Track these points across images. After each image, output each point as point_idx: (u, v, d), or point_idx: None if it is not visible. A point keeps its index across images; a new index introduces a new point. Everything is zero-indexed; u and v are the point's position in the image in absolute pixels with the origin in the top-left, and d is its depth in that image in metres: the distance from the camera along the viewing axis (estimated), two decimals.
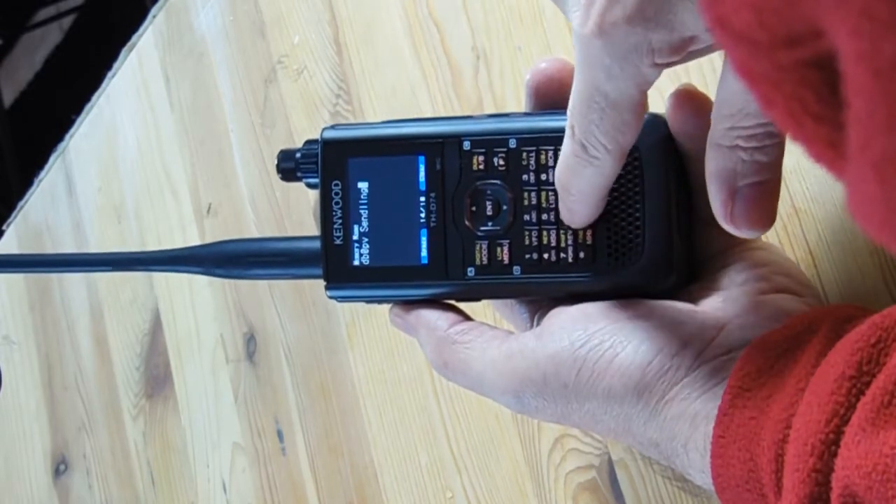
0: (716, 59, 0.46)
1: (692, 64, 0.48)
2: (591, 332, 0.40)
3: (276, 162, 0.46)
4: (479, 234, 0.43)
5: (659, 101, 0.43)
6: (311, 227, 0.68)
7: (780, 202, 0.46)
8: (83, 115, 0.91)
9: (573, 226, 0.42)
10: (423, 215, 0.43)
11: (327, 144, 0.45)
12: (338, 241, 0.44)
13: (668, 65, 0.36)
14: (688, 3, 0.34)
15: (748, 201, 0.37)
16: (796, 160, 0.45)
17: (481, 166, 0.43)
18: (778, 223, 0.46)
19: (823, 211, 0.45)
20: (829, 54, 0.21)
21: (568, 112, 0.38)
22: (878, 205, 0.21)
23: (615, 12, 0.34)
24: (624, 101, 0.36)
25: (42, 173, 0.95)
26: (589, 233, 0.41)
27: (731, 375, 0.36)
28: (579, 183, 0.39)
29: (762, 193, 0.37)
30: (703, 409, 0.37)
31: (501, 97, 0.57)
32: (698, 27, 0.35)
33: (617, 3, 0.34)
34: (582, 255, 0.42)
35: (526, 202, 0.42)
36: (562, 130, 0.39)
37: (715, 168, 0.37)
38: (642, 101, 0.37)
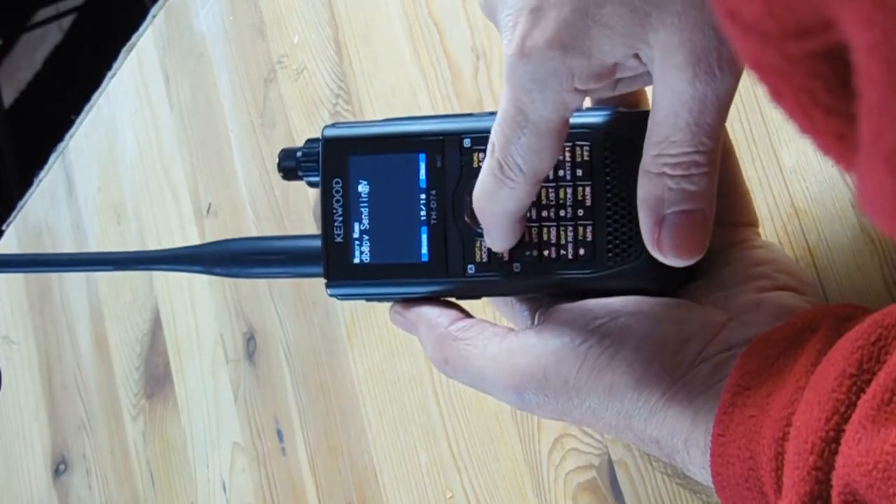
0: None
1: None
2: (593, 329, 0.40)
3: (277, 161, 0.46)
4: (480, 231, 0.43)
5: None
6: (311, 227, 0.68)
7: (780, 201, 0.46)
8: (83, 115, 0.91)
9: (493, 249, 0.42)
10: (423, 213, 0.43)
11: (328, 142, 0.45)
12: (338, 239, 0.44)
13: (591, 91, 0.37)
14: (606, 31, 0.35)
15: (674, 229, 0.37)
16: (796, 160, 0.46)
17: (482, 163, 0.43)
18: (778, 223, 0.46)
19: (823, 211, 0.45)
20: (839, 45, 0.21)
21: (492, 131, 0.38)
22: (890, 197, 0.21)
23: (535, 36, 0.35)
24: (543, 125, 0.37)
25: (42, 173, 0.95)
26: (589, 230, 0.42)
27: (731, 373, 0.37)
28: (493, 204, 0.40)
29: (689, 222, 0.37)
30: (705, 407, 0.37)
31: None
32: (617, 54, 0.36)
33: (537, 28, 0.35)
34: (582, 252, 0.42)
35: None
36: None
37: (643, 195, 0.37)
38: (561, 128, 0.37)
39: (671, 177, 0.36)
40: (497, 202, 0.40)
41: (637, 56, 0.36)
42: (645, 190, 0.37)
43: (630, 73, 0.38)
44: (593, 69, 0.36)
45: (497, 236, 0.41)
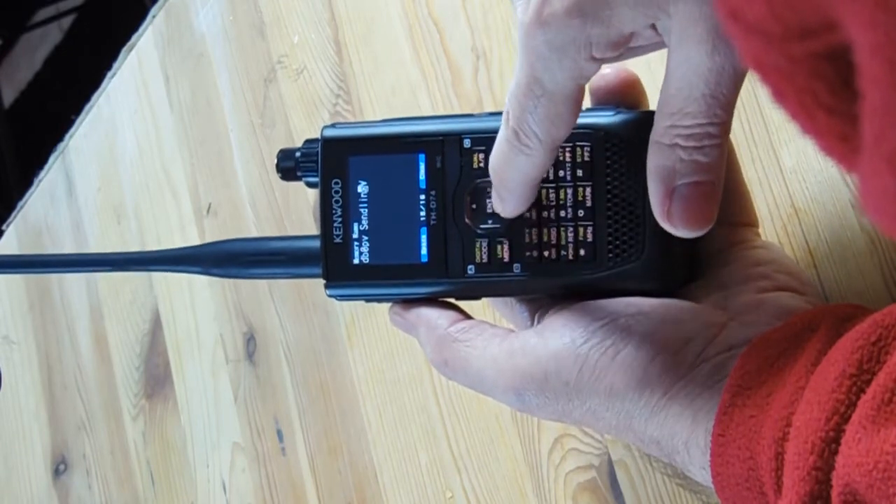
0: None
1: None
2: (593, 330, 0.40)
3: (275, 161, 0.46)
4: (480, 231, 0.43)
5: None
6: (311, 228, 0.68)
7: (780, 202, 0.46)
8: (83, 115, 0.91)
9: (503, 215, 0.42)
10: (423, 213, 0.43)
11: (327, 143, 0.45)
12: (337, 240, 0.44)
13: (607, 60, 0.37)
14: (626, 0, 0.34)
15: (685, 200, 0.37)
16: (796, 160, 0.45)
17: (482, 164, 0.43)
18: (778, 223, 0.46)
19: (823, 211, 0.45)
20: (842, 46, 0.21)
21: (506, 99, 0.38)
22: (892, 198, 0.21)
23: (554, 4, 0.35)
24: (559, 93, 0.37)
25: (42, 173, 0.95)
26: (590, 230, 0.42)
27: (731, 374, 0.37)
28: (510, 171, 0.40)
29: (700, 193, 0.37)
30: (705, 407, 0.37)
31: (501, 97, 0.57)
32: (636, 23, 0.35)
33: None
34: (582, 252, 0.42)
35: None
36: None
37: (654, 165, 0.37)
38: (577, 96, 0.37)
39: (684, 148, 0.36)
40: (514, 170, 0.40)
41: (653, 26, 0.36)
42: (656, 161, 0.37)
43: (642, 43, 0.37)
44: (611, 38, 0.35)
45: (511, 202, 0.41)
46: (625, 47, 0.37)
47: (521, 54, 0.37)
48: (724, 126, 0.36)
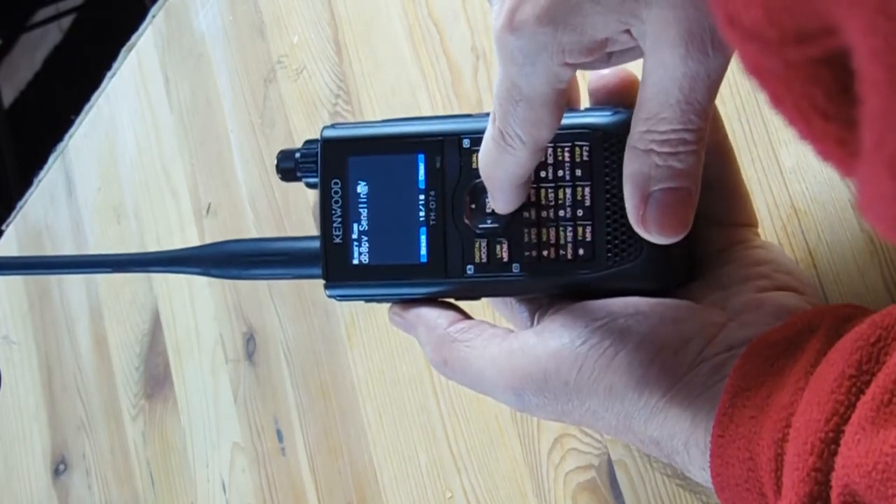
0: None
1: None
2: (592, 330, 0.40)
3: (275, 162, 0.46)
4: (479, 231, 0.43)
5: None
6: (311, 228, 0.68)
7: (779, 202, 0.46)
8: (83, 115, 0.91)
9: (498, 211, 0.42)
10: (422, 213, 0.43)
11: (327, 143, 0.45)
12: (337, 240, 0.44)
13: (582, 66, 0.37)
14: (597, 7, 0.34)
15: (660, 206, 0.37)
16: (796, 160, 0.46)
17: None
18: (778, 223, 0.46)
19: (823, 211, 0.45)
20: (839, 51, 0.21)
21: (492, 98, 0.38)
22: (891, 202, 0.21)
23: (525, 11, 0.35)
24: (537, 98, 0.37)
25: (41, 173, 0.95)
26: (588, 230, 0.42)
27: (730, 374, 0.36)
28: (497, 170, 0.40)
29: (674, 200, 0.37)
30: (704, 407, 0.37)
31: None
32: (609, 29, 0.35)
33: (527, 2, 0.35)
34: (581, 252, 0.42)
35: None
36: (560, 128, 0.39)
37: (630, 171, 0.37)
38: (557, 99, 0.37)
39: (659, 154, 0.36)
40: (501, 168, 0.40)
41: (628, 31, 0.36)
42: (632, 166, 0.37)
43: (621, 48, 0.37)
44: (584, 44, 0.35)
45: (501, 200, 0.42)
46: (600, 53, 0.37)
47: (498, 59, 0.37)
48: (700, 132, 0.36)
